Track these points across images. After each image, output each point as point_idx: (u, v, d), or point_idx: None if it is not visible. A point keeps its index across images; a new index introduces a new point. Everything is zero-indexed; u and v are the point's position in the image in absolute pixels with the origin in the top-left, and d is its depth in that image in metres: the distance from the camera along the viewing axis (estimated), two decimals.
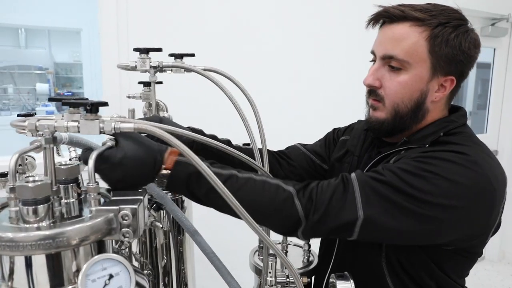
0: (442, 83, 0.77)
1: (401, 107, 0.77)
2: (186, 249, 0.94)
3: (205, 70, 0.87)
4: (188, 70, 0.79)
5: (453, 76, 0.76)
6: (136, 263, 0.88)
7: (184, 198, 0.92)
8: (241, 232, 1.05)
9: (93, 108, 0.50)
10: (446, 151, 0.72)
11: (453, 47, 0.73)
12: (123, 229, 0.50)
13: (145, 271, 0.86)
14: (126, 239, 0.50)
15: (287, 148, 1.05)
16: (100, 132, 0.51)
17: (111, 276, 0.44)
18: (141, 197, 0.54)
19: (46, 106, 5.19)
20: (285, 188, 0.66)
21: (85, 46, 3.59)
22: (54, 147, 0.76)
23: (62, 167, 0.55)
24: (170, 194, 0.87)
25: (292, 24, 1.94)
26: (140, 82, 0.88)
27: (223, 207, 0.62)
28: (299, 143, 1.06)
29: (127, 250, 0.60)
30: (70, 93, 5.72)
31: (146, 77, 0.90)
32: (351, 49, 2.04)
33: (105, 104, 0.51)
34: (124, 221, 0.50)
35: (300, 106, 2.03)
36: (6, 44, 5.35)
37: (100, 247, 0.53)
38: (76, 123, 0.50)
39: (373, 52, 0.81)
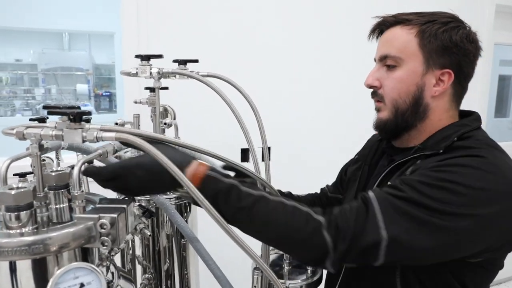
0: (440, 77, 0.76)
1: (400, 102, 0.77)
2: (190, 254, 0.94)
3: (208, 76, 0.87)
4: (188, 76, 0.78)
5: (449, 69, 0.76)
6: (138, 266, 0.90)
7: (188, 203, 0.92)
8: (246, 241, 1.04)
9: (76, 117, 0.51)
10: (463, 156, 0.69)
11: (443, 40, 0.75)
12: (102, 238, 0.51)
13: (147, 275, 0.87)
14: (104, 248, 0.50)
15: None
16: (83, 141, 0.51)
17: (82, 285, 0.45)
18: (124, 206, 0.54)
19: (85, 106, 5.48)
20: (315, 217, 0.64)
21: (117, 49, 3.74)
22: (55, 152, 0.78)
23: (53, 173, 0.56)
24: (172, 200, 0.87)
25: (294, 26, 1.94)
26: (146, 88, 0.90)
27: (248, 230, 0.62)
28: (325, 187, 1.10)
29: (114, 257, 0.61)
30: (108, 93, 6.01)
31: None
32: (352, 51, 2.01)
33: (88, 113, 0.51)
34: (103, 230, 0.50)
35: (303, 108, 2.03)
36: (51, 47, 5.71)
37: (85, 254, 0.54)
38: (60, 132, 0.51)
39: (375, 60, 0.83)
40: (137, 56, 0.77)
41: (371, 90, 0.82)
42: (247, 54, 1.84)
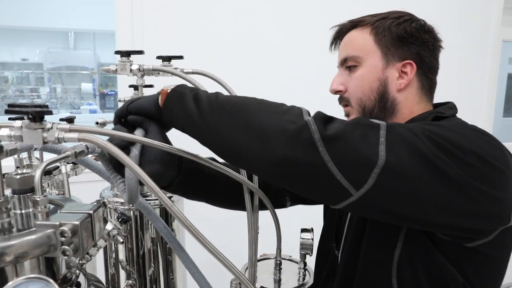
0: (402, 69, 0.76)
1: (365, 100, 0.77)
2: (176, 257, 0.91)
3: (193, 73, 0.83)
4: (171, 73, 0.75)
5: (410, 60, 0.76)
6: (122, 271, 0.87)
7: None
8: (235, 247, 1.01)
9: (36, 117, 0.47)
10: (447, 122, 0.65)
11: (397, 32, 0.75)
12: (63, 247, 0.47)
13: (129, 281, 0.83)
14: (65, 257, 0.47)
15: None
16: (44, 142, 0.48)
17: None
18: (90, 212, 0.51)
19: (89, 105, 5.50)
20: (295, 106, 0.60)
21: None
22: (28, 154, 0.75)
23: (17, 176, 0.53)
24: (157, 204, 0.84)
25: (293, 25, 1.92)
26: (130, 86, 0.86)
27: (217, 129, 0.58)
28: None
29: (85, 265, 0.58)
30: (113, 92, 6.03)
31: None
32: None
33: (49, 112, 0.48)
34: (63, 238, 0.46)
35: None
36: (57, 46, 5.74)
37: (50, 263, 0.51)
38: (19, 132, 0.48)
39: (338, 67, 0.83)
40: (116, 52, 0.74)
41: (338, 96, 0.82)
42: (245, 52, 1.82)
